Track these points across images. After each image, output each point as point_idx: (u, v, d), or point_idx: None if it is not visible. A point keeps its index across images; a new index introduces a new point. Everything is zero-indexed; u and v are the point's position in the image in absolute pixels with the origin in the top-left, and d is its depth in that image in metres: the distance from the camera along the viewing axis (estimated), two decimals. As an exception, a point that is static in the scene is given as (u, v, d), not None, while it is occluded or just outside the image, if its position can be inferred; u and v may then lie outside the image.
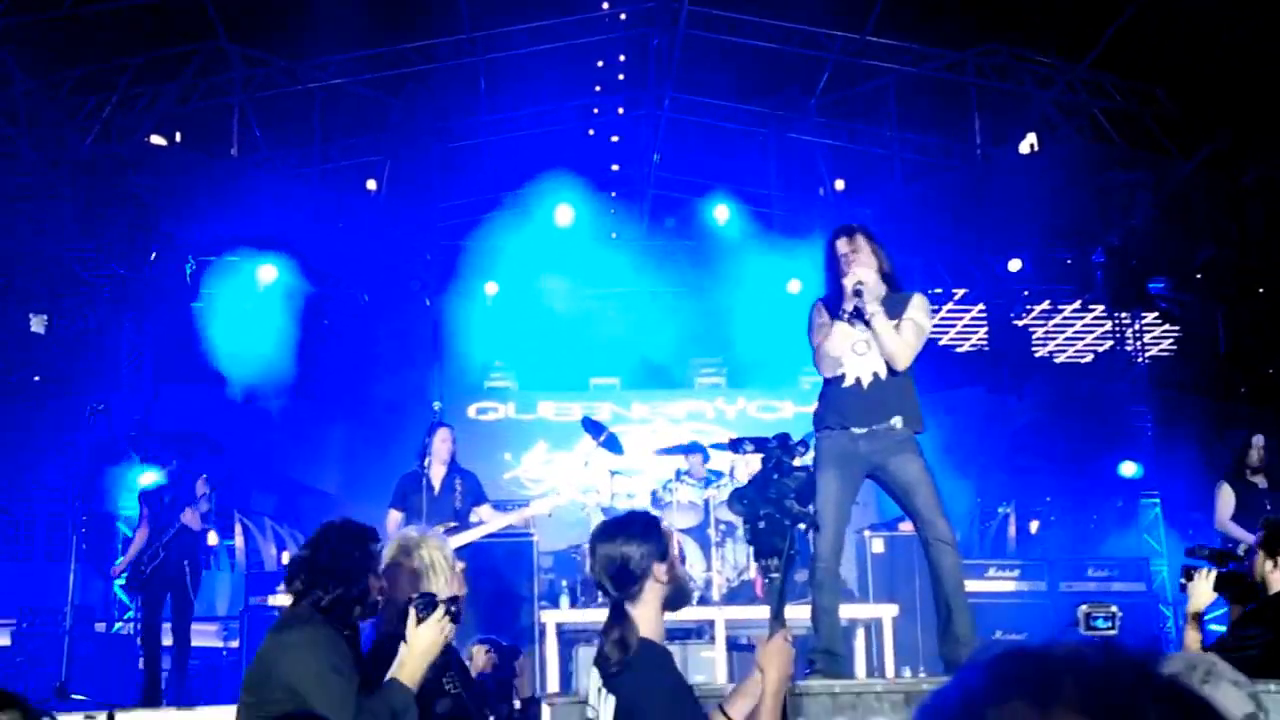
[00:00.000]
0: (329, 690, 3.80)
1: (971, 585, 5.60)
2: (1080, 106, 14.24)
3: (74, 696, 7.75)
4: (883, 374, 5.58)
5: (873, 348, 5.57)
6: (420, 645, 3.90)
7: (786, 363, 15.03)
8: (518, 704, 4.54)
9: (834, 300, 5.73)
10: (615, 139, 17.46)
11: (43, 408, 14.52)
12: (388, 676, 3.93)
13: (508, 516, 9.10)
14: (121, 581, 9.17)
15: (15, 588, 12.69)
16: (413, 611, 3.91)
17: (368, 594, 4.09)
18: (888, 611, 9.62)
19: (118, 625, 10.06)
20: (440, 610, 3.92)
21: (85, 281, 14.37)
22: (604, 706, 3.68)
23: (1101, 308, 17.59)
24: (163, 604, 9.25)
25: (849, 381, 5.61)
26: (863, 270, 5.57)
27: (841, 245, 5.72)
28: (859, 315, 5.56)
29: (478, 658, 7.81)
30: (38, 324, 14.24)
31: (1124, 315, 16.48)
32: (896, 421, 5.57)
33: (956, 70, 14.55)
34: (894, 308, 5.63)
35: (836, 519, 5.52)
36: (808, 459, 5.36)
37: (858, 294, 5.52)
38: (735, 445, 4.34)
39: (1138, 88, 13.79)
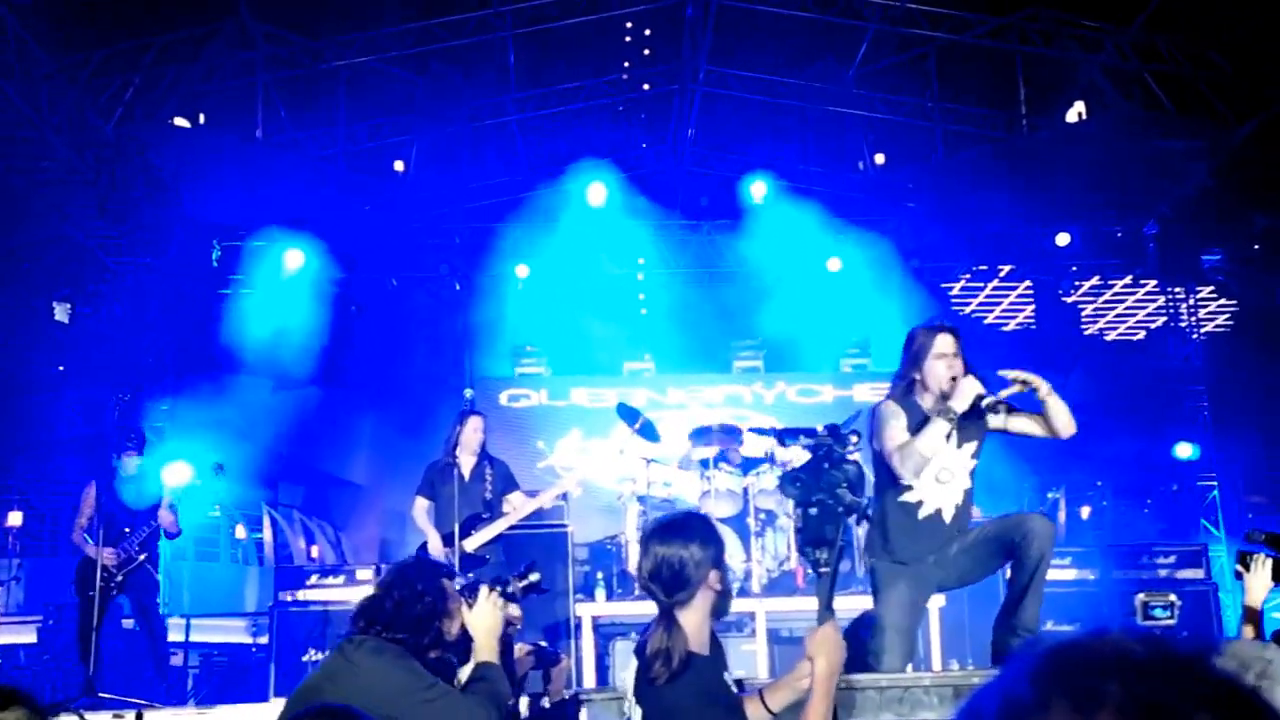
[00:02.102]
0: (426, 705, 3.83)
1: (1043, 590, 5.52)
2: (1130, 71, 14.01)
3: (101, 695, 7.81)
4: (962, 502, 5.42)
5: (956, 477, 5.38)
6: (481, 625, 4.11)
7: (826, 345, 14.98)
8: (545, 703, 4.53)
9: (914, 412, 5.40)
10: (644, 115, 17.40)
11: (67, 399, 14.65)
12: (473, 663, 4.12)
13: (537, 500, 9.09)
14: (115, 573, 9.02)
15: (41, 584, 12.82)
16: (463, 601, 4.11)
17: (442, 638, 4.09)
18: (934, 602, 9.57)
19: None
20: (484, 590, 4.11)
21: (109, 268, 14.48)
22: (634, 715, 3.66)
23: (1154, 282, 17.41)
24: (109, 606, 9.05)
25: (927, 512, 5.39)
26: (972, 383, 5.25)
27: (947, 342, 5.36)
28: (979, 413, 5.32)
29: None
30: (61, 312, 14.35)
31: (1178, 290, 16.31)
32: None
33: (1000, 36, 14.36)
34: (976, 418, 5.40)
35: (910, 629, 5.45)
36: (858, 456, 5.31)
37: (990, 407, 5.27)
38: (784, 437, 4.27)
39: (1191, 49, 13.56)
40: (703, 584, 3.60)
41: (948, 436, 5.27)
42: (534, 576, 4.52)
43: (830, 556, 3.66)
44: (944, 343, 5.30)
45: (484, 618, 4.09)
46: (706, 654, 3.65)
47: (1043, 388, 5.29)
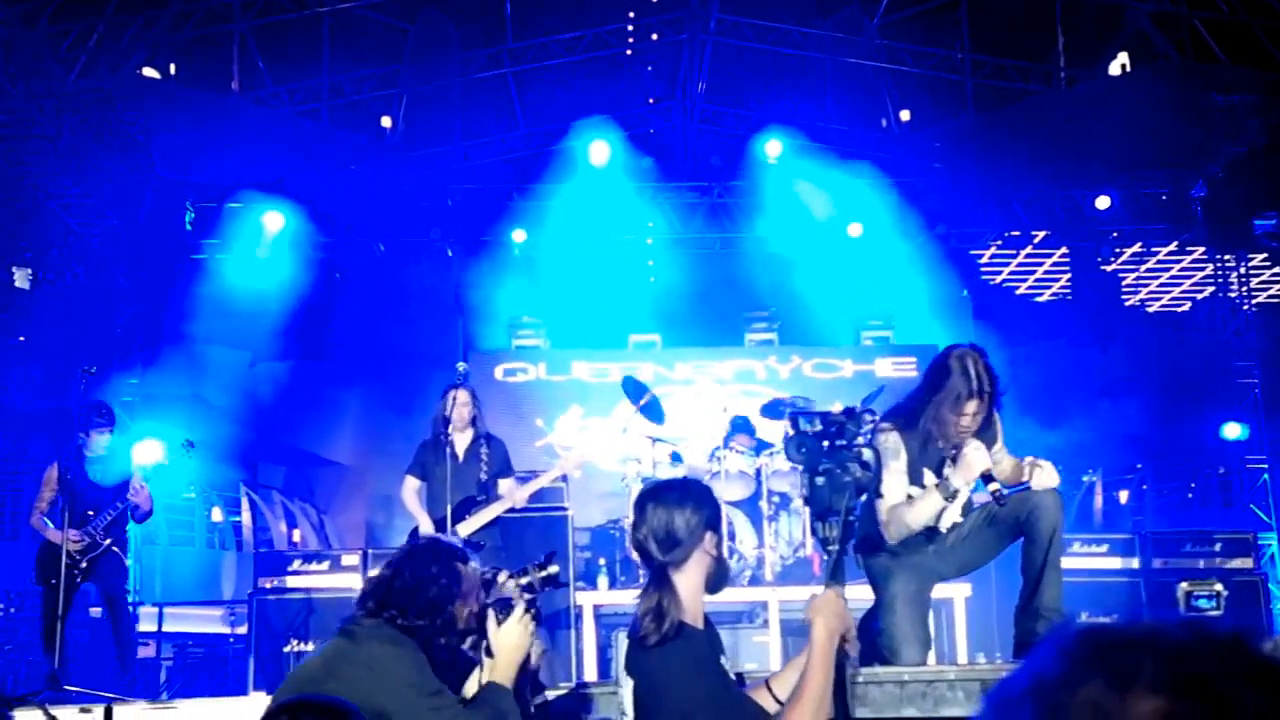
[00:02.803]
0: (431, 713, 3.84)
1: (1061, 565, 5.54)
2: (1180, 18, 13.94)
3: (68, 688, 7.84)
4: (960, 519, 5.47)
5: (957, 501, 5.40)
6: (506, 644, 4.04)
7: (846, 316, 14.96)
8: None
9: (921, 442, 5.37)
10: (651, 68, 17.34)
11: (28, 372, 14.66)
12: (483, 680, 4.07)
13: (532, 485, 9.05)
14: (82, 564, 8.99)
15: (2, 569, 12.86)
16: (492, 614, 4.06)
17: (454, 623, 4.08)
18: (959, 592, 9.60)
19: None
20: (520, 608, 4.06)
21: (73, 231, 14.46)
22: (624, 689, 3.77)
23: (1201, 249, 17.36)
24: (74, 594, 8.95)
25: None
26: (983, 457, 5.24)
27: (978, 406, 5.22)
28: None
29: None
30: (21, 278, 14.32)
31: (1227, 257, 16.25)
32: None
33: (1037, -18, 14.33)
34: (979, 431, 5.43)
35: (919, 620, 5.47)
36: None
37: (995, 496, 5.25)
38: (798, 418, 4.26)
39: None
40: (698, 546, 3.74)
41: (940, 512, 5.30)
42: (553, 568, 4.50)
43: (839, 533, 3.71)
44: (971, 407, 5.24)
45: (511, 637, 4.05)
46: (701, 629, 3.74)
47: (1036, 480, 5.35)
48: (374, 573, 4.39)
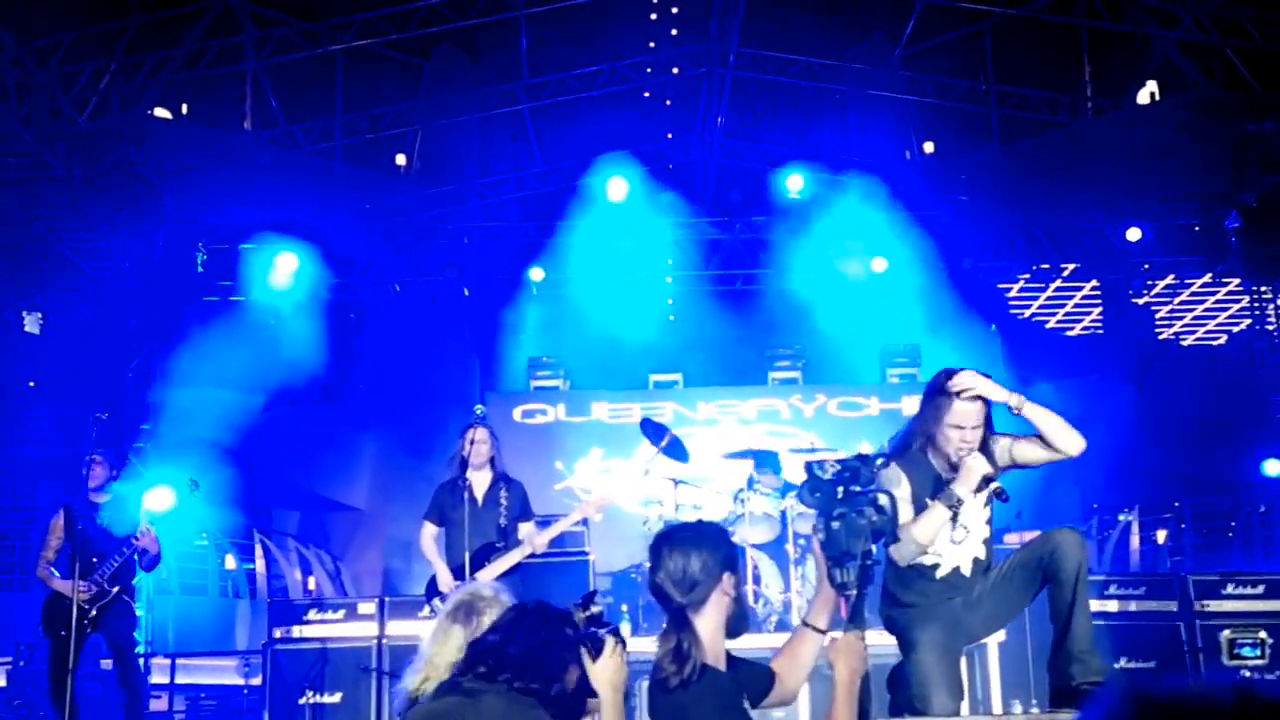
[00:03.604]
0: None
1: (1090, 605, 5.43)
2: (1210, 46, 13.90)
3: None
4: (984, 556, 5.38)
5: (973, 531, 5.33)
6: (608, 680, 3.95)
7: (871, 353, 14.90)
8: None
9: (922, 471, 5.34)
10: (669, 103, 17.37)
11: (39, 417, 14.69)
12: None
13: (552, 529, 8.95)
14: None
15: (11, 621, 12.81)
16: (585, 652, 3.98)
17: (566, 688, 4.03)
18: (993, 637, 9.46)
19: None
20: (610, 641, 3.99)
21: (84, 274, 14.51)
22: None
23: (1237, 281, 17.28)
24: (83, 646, 8.74)
25: (944, 571, 5.37)
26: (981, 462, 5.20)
27: (969, 413, 5.20)
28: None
29: None
30: (31, 322, 14.41)
31: (1264, 289, 16.15)
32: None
33: (1063, 10, 14.28)
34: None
35: (950, 665, 5.35)
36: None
37: (998, 494, 5.20)
38: (810, 468, 4.20)
39: (1279, 21, 13.45)
40: (716, 586, 3.78)
41: (954, 519, 5.20)
42: (597, 608, 4.43)
43: (855, 577, 3.74)
44: (962, 413, 5.20)
45: (610, 670, 3.92)
46: (724, 671, 3.79)
47: (1011, 400, 5.21)
48: (476, 636, 4.31)
